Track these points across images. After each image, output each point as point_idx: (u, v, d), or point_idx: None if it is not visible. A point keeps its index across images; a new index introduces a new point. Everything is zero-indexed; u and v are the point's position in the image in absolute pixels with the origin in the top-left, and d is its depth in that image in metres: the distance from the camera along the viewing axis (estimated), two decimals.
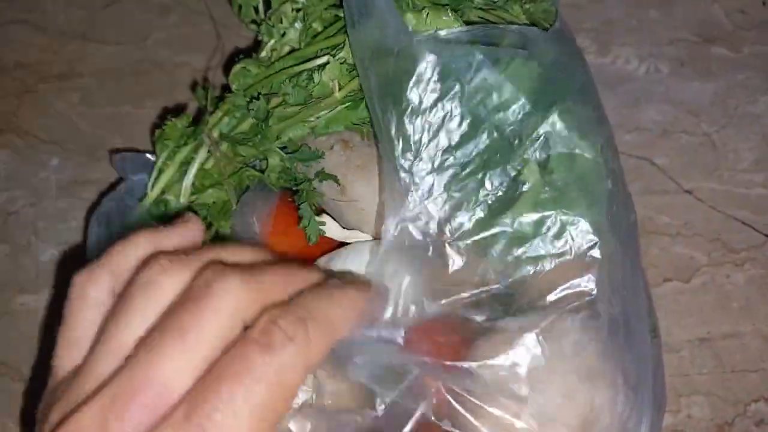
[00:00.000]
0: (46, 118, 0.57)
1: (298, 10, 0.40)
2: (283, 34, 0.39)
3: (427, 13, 0.32)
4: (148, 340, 0.18)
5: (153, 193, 0.37)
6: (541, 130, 0.31)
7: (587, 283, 0.31)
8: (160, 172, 0.37)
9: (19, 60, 0.60)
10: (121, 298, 0.19)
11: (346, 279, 0.22)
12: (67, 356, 0.21)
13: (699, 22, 0.59)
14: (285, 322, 0.17)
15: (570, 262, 0.31)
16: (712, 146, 0.54)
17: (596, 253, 0.32)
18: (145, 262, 0.19)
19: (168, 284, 0.19)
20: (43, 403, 0.21)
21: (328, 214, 0.38)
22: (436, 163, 0.30)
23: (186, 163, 0.37)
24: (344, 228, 0.38)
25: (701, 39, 0.58)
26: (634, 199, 0.51)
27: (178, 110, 0.57)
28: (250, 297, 0.18)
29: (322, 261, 0.37)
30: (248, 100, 0.37)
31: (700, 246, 0.50)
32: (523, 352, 0.29)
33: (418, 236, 0.30)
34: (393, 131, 0.29)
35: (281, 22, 0.40)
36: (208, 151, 0.36)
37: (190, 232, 0.22)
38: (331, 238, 0.38)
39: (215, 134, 0.36)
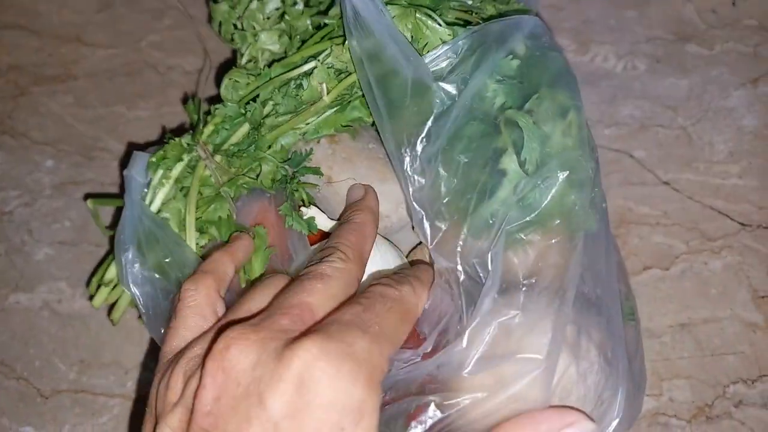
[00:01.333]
0: (40, 120, 0.58)
1: (269, 17, 0.41)
2: (256, 39, 0.40)
3: (425, 27, 0.33)
4: (295, 281, 0.27)
5: (153, 209, 0.37)
6: (520, 118, 0.33)
7: (565, 261, 0.32)
8: (156, 190, 0.37)
9: (13, 62, 0.61)
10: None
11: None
12: (174, 345, 0.28)
13: (673, 22, 0.62)
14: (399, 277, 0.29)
15: (550, 243, 0.32)
16: (688, 139, 0.55)
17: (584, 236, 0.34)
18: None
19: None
20: (159, 372, 0.27)
21: (316, 206, 0.39)
22: (432, 157, 0.32)
23: (181, 180, 0.37)
24: (332, 219, 0.39)
25: (676, 37, 0.60)
26: (614, 191, 0.53)
27: (171, 113, 0.58)
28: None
29: (312, 251, 0.38)
30: (243, 109, 0.38)
31: (678, 235, 0.51)
32: (501, 326, 0.30)
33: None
34: (406, 165, 0.32)
35: (253, 27, 0.41)
36: (204, 165, 0.37)
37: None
38: (321, 229, 0.39)
39: (209, 147, 0.37)
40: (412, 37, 0.33)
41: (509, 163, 0.32)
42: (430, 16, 0.33)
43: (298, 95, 0.36)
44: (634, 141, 0.55)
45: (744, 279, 0.49)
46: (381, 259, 0.35)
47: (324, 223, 0.38)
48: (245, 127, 0.37)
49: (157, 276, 0.35)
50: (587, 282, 0.32)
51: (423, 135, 0.31)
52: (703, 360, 0.47)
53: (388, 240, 0.38)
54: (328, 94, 0.36)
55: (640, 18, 0.62)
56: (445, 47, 0.32)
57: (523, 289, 0.30)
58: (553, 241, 0.31)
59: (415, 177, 0.32)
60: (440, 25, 0.33)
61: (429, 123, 0.31)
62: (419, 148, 0.32)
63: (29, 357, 0.47)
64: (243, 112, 0.37)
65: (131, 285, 0.35)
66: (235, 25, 0.44)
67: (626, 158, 0.55)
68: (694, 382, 0.46)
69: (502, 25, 0.32)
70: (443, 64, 0.31)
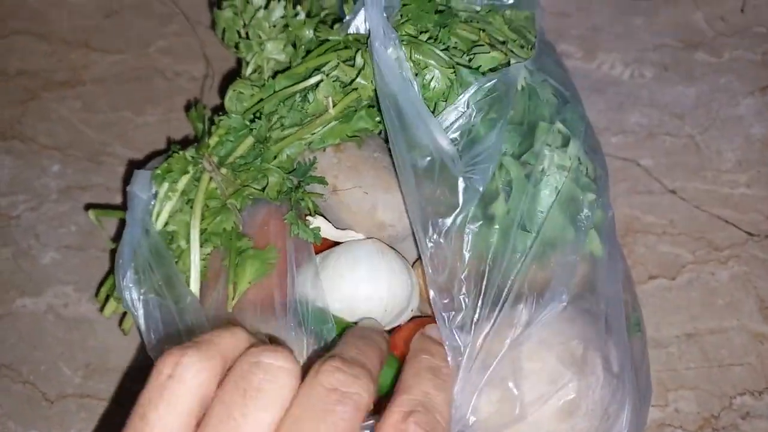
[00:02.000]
0: (48, 124, 0.58)
1: (274, 26, 0.41)
2: (263, 48, 0.40)
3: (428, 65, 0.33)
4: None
5: (158, 225, 0.37)
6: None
7: (572, 277, 0.32)
8: (163, 204, 0.37)
9: (23, 68, 0.61)
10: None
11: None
12: None
13: (681, 29, 0.61)
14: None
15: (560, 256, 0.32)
16: (695, 148, 0.55)
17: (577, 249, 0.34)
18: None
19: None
20: None
21: (322, 215, 0.39)
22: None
23: (187, 192, 0.37)
24: (337, 228, 0.39)
25: (684, 45, 0.60)
26: (620, 200, 0.53)
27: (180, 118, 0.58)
28: None
29: (317, 258, 0.38)
30: (249, 122, 0.38)
31: (685, 244, 0.51)
32: (511, 343, 0.30)
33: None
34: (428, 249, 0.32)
35: (259, 36, 0.41)
36: (210, 177, 0.37)
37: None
38: (326, 238, 0.39)
39: (215, 159, 0.37)
40: (416, 74, 0.33)
41: (498, 207, 0.32)
42: (434, 53, 0.33)
43: (303, 108, 0.36)
44: (642, 149, 0.55)
45: (751, 289, 0.49)
46: (387, 267, 0.35)
47: (329, 232, 0.38)
48: (250, 140, 0.37)
49: (155, 297, 0.34)
50: (592, 295, 0.32)
51: (448, 225, 0.31)
52: (709, 371, 0.46)
53: (394, 249, 0.38)
54: (334, 106, 0.36)
55: (647, 25, 0.62)
56: (451, 112, 0.32)
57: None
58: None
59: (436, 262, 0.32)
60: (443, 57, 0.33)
61: (454, 216, 0.31)
62: (443, 236, 0.31)
63: (35, 361, 0.47)
64: (247, 125, 0.37)
65: (130, 306, 0.35)
66: (239, 33, 0.44)
67: (633, 166, 0.54)
68: (700, 393, 0.45)
69: (501, 82, 0.32)
70: (455, 133, 0.32)
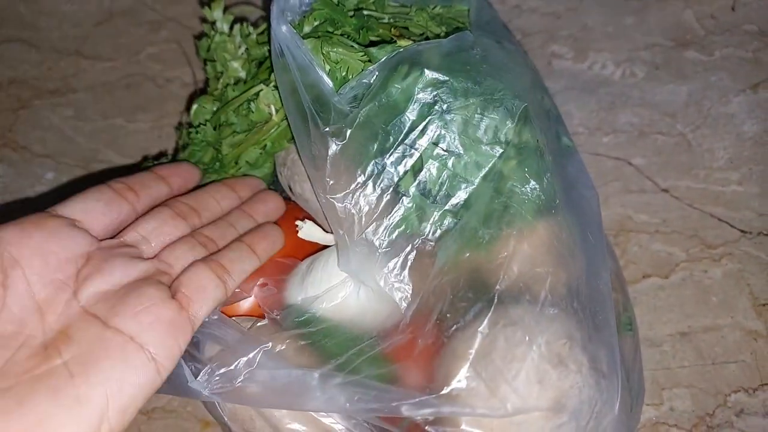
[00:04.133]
0: (41, 132, 0.58)
1: (239, 46, 0.43)
2: (227, 68, 0.42)
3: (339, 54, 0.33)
4: None
5: None
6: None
7: (555, 276, 0.32)
8: None
9: (14, 76, 0.61)
10: None
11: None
12: None
13: (672, 28, 0.61)
14: None
15: (537, 256, 0.32)
16: (687, 146, 0.55)
17: (571, 246, 0.34)
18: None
19: None
20: None
21: (312, 219, 0.39)
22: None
23: None
24: (326, 231, 0.39)
25: (675, 43, 0.60)
26: (612, 199, 0.53)
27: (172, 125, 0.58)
28: None
29: (304, 264, 0.38)
30: (197, 125, 0.40)
31: (678, 242, 0.51)
32: (495, 343, 0.30)
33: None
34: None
35: (224, 57, 0.43)
36: None
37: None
38: (316, 242, 0.39)
39: None
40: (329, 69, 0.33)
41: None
42: (344, 43, 0.34)
43: (248, 116, 0.38)
44: (633, 148, 0.55)
45: (744, 287, 0.49)
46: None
47: (318, 235, 0.38)
48: (211, 150, 0.39)
49: None
50: (579, 293, 0.32)
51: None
52: (703, 369, 0.46)
53: None
54: (276, 113, 0.37)
55: (638, 25, 0.62)
56: (362, 75, 0.31)
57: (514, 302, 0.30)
58: (525, 246, 0.31)
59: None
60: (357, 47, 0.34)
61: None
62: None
63: None
64: (191, 132, 0.40)
65: None
66: (208, 57, 0.46)
67: (625, 166, 0.54)
68: (694, 391, 0.45)
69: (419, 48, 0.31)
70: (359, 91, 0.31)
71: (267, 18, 0.41)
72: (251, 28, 0.44)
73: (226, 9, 0.45)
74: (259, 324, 0.35)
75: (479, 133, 0.31)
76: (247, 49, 0.43)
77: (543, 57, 0.60)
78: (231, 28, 0.45)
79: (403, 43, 0.34)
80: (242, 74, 0.42)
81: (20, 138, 0.58)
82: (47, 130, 0.58)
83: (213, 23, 0.45)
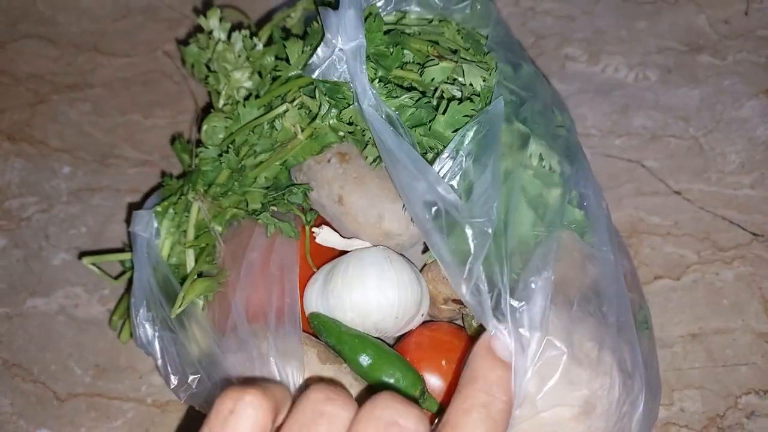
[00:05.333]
0: (58, 127, 0.59)
1: (239, 55, 0.43)
2: (229, 78, 0.42)
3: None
4: None
5: (164, 257, 0.40)
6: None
7: (582, 280, 0.33)
8: (165, 239, 0.40)
9: (32, 71, 0.62)
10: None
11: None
12: None
13: (685, 32, 0.62)
14: None
15: (564, 259, 0.33)
16: (699, 149, 0.55)
17: (590, 251, 0.34)
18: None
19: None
20: None
21: (328, 225, 0.40)
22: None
23: (183, 224, 0.40)
24: (343, 237, 0.39)
25: (688, 48, 0.61)
26: (625, 201, 0.53)
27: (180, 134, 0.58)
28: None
29: (326, 267, 0.38)
30: (219, 153, 0.40)
31: (689, 245, 0.51)
32: (527, 346, 0.31)
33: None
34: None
35: (225, 68, 0.42)
36: (198, 207, 0.39)
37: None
38: (333, 248, 0.39)
39: (201, 189, 0.39)
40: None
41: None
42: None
43: (272, 135, 0.38)
44: (646, 151, 0.55)
45: (756, 290, 0.49)
46: (396, 274, 0.35)
47: (336, 241, 0.39)
48: (227, 170, 0.39)
49: (168, 333, 0.36)
50: (601, 295, 0.33)
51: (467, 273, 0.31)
52: (714, 370, 0.46)
53: (403, 255, 0.38)
54: (302, 131, 0.38)
55: (651, 29, 0.62)
56: (445, 160, 0.32)
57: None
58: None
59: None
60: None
61: (469, 263, 0.31)
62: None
63: (46, 361, 0.48)
64: (218, 158, 0.40)
65: (145, 344, 0.37)
66: (208, 67, 0.46)
67: (638, 168, 0.55)
68: (705, 392, 0.46)
69: (483, 124, 0.33)
70: (453, 174, 0.32)
71: (258, 25, 0.42)
72: (255, 40, 0.44)
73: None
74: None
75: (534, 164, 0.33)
76: (251, 60, 0.43)
77: (557, 59, 0.60)
78: (229, 36, 0.44)
79: (444, 64, 0.35)
80: (248, 84, 0.42)
81: (37, 132, 0.59)
82: (64, 124, 0.59)
83: (210, 32, 0.44)
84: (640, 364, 0.32)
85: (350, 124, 0.37)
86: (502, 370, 0.26)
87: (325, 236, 0.38)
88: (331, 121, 0.37)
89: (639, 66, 0.60)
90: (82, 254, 0.52)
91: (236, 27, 0.46)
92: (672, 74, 0.59)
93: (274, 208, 0.38)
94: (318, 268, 0.39)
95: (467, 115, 0.34)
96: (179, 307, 0.35)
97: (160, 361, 0.37)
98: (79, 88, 0.61)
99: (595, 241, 0.34)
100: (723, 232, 0.51)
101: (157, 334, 0.37)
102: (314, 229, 0.38)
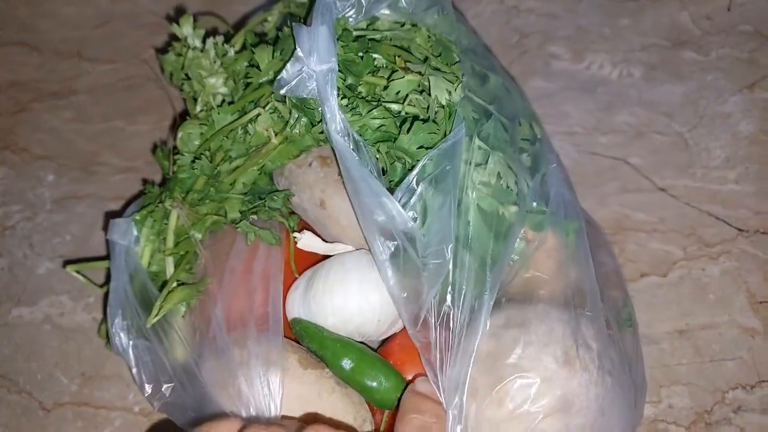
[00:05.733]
0: (41, 135, 0.58)
1: (214, 62, 0.43)
2: (204, 85, 0.42)
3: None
4: None
5: (144, 266, 0.40)
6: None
7: (561, 279, 0.33)
8: (144, 247, 0.40)
9: (14, 79, 0.62)
10: None
11: None
12: None
13: (668, 29, 0.62)
14: None
15: (543, 261, 0.33)
16: (684, 145, 0.56)
17: (568, 252, 0.34)
18: None
19: None
20: None
21: (311, 229, 0.39)
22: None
23: (161, 232, 0.40)
24: (326, 241, 0.39)
25: (671, 44, 0.61)
26: (610, 198, 0.53)
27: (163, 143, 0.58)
28: None
29: (307, 273, 0.38)
30: (193, 160, 0.40)
31: (675, 241, 0.51)
32: (503, 343, 0.31)
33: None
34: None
35: (200, 75, 0.42)
36: (177, 215, 0.39)
37: None
38: (316, 252, 0.39)
39: (178, 196, 0.39)
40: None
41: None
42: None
43: (246, 140, 0.38)
44: (631, 148, 0.55)
45: (742, 284, 0.49)
46: (378, 278, 0.35)
47: (318, 246, 0.38)
48: (204, 177, 0.39)
49: (143, 341, 0.36)
50: (580, 295, 0.33)
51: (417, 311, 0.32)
52: (701, 366, 0.47)
53: None
54: (276, 136, 0.37)
55: (634, 26, 0.62)
56: (404, 191, 0.33)
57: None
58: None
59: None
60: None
61: (420, 302, 0.33)
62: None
63: (31, 370, 0.47)
64: (192, 165, 0.39)
65: (121, 351, 0.37)
66: (187, 75, 0.45)
67: (622, 165, 0.55)
68: (693, 388, 0.46)
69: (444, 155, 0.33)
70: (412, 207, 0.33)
71: (236, 28, 0.41)
72: (227, 47, 0.44)
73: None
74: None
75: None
76: (224, 66, 0.43)
77: (541, 57, 0.60)
78: (203, 42, 0.44)
79: (411, 77, 0.36)
80: (223, 90, 0.42)
81: (21, 140, 0.58)
82: (48, 132, 0.58)
83: (184, 39, 0.44)
84: (622, 363, 0.32)
85: (321, 133, 0.37)
86: (432, 402, 0.31)
87: (307, 241, 0.38)
88: (300, 130, 0.37)
89: (623, 63, 0.60)
90: (67, 263, 0.51)
91: (212, 33, 0.46)
92: (656, 71, 0.59)
93: (254, 216, 0.37)
94: (300, 274, 0.38)
95: (432, 132, 0.34)
96: (155, 316, 0.35)
97: (134, 369, 0.37)
98: (62, 95, 0.60)
99: (572, 241, 0.34)
100: (708, 228, 0.51)
101: (132, 342, 0.37)
102: (295, 234, 0.38)
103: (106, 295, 0.41)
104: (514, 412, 0.30)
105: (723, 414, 0.45)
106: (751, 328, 0.48)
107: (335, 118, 0.33)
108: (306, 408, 0.33)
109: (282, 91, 0.36)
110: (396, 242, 0.32)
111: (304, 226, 0.39)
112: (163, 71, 0.47)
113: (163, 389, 0.36)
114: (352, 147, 0.33)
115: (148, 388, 0.36)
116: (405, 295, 0.32)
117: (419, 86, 0.36)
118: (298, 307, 0.36)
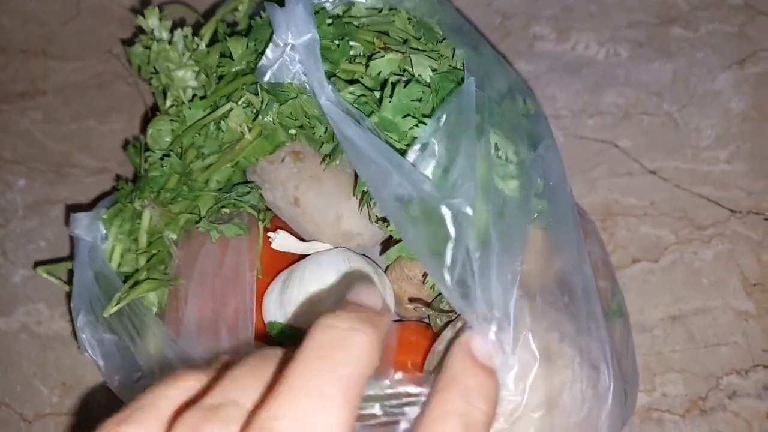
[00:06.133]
0: (10, 138, 0.56)
1: (183, 54, 0.41)
2: (172, 78, 0.40)
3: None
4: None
5: (113, 267, 0.38)
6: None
7: (542, 271, 0.31)
8: (114, 246, 0.38)
9: None
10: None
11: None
12: None
13: (656, 5, 0.60)
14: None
15: (526, 252, 0.31)
16: (674, 125, 0.54)
17: (554, 241, 0.33)
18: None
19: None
20: None
21: (286, 228, 0.38)
22: None
23: (133, 231, 0.38)
24: (302, 240, 0.37)
25: (659, 20, 0.59)
26: (599, 183, 0.52)
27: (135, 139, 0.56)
28: None
29: (283, 274, 0.37)
30: (163, 157, 0.38)
31: (667, 225, 0.50)
32: (508, 350, 0.29)
33: None
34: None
35: (167, 68, 0.40)
36: (150, 214, 0.38)
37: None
38: (292, 252, 0.37)
39: (150, 195, 0.38)
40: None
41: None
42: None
43: (219, 137, 0.37)
44: (619, 130, 0.54)
45: (735, 267, 0.48)
46: (355, 276, 0.34)
47: (294, 245, 0.37)
48: (176, 175, 0.37)
49: (111, 336, 0.35)
50: (563, 287, 0.31)
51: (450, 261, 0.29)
52: (696, 352, 0.46)
53: (365, 256, 0.37)
54: (249, 131, 0.36)
55: (621, 3, 0.60)
56: (417, 146, 0.30)
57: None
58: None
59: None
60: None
61: (452, 248, 0.29)
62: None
63: (10, 382, 0.46)
64: (162, 164, 0.38)
65: (87, 347, 0.36)
66: (155, 68, 0.43)
67: (611, 148, 0.53)
68: (687, 375, 0.45)
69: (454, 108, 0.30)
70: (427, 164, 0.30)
71: (206, 17, 0.39)
72: (197, 40, 0.42)
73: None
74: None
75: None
76: (195, 59, 0.41)
77: (524, 39, 0.58)
78: (171, 34, 0.42)
79: (391, 56, 0.34)
80: (193, 83, 0.40)
81: None
82: (16, 135, 0.56)
83: (151, 32, 0.42)
84: (608, 355, 0.31)
85: (294, 119, 0.35)
86: (484, 376, 0.22)
87: (282, 241, 0.36)
88: (273, 117, 0.35)
89: (609, 42, 0.58)
90: (37, 264, 0.50)
91: (180, 24, 0.44)
92: (643, 49, 0.57)
93: (226, 210, 0.36)
94: (274, 276, 0.37)
95: (415, 99, 0.32)
96: (114, 305, 0.34)
97: (101, 362, 0.36)
98: (30, 95, 0.58)
99: (559, 231, 0.32)
100: (700, 210, 0.50)
101: (97, 337, 0.36)
102: (270, 234, 0.37)
103: (69, 294, 0.40)
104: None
105: (718, 400, 0.44)
106: (745, 311, 0.47)
107: (324, 88, 0.31)
108: None
109: (265, 78, 0.34)
110: (412, 198, 0.29)
111: (279, 226, 0.38)
112: (131, 64, 0.46)
113: (132, 379, 0.35)
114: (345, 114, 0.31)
115: (116, 380, 0.36)
116: (431, 248, 0.28)
117: (400, 68, 0.34)
118: (274, 309, 0.35)
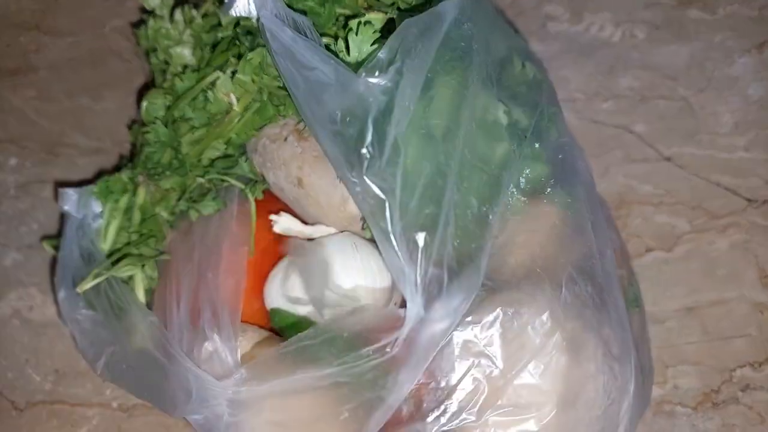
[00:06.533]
0: (1, 116, 0.55)
1: (183, 31, 0.40)
2: (171, 55, 0.39)
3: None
4: None
5: (107, 245, 0.37)
6: None
7: (561, 259, 0.30)
8: (108, 223, 0.38)
9: None
10: None
11: None
12: None
13: None
14: None
15: (541, 240, 0.30)
16: (690, 111, 0.53)
17: (574, 224, 0.31)
18: None
19: None
20: None
21: (289, 210, 0.36)
22: None
23: (129, 209, 0.38)
24: (306, 223, 0.36)
25: (676, 2, 0.57)
26: (613, 169, 0.50)
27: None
28: None
29: (282, 266, 0.35)
30: (146, 125, 0.37)
31: (682, 213, 0.49)
32: (496, 333, 0.28)
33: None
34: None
35: (167, 46, 0.40)
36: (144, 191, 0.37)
37: None
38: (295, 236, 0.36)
39: (142, 170, 0.37)
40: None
41: None
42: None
43: (206, 108, 0.35)
44: (634, 114, 0.52)
45: (751, 258, 0.47)
46: (362, 263, 0.33)
47: (298, 229, 0.36)
48: (170, 150, 0.36)
49: (88, 311, 0.34)
50: (585, 278, 0.30)
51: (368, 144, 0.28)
52: (710, 345, 0.45)
53: (373, 242, 0.35)
54: (238, 102, 0.35)
55: None
56: (377, 54, 0.28)
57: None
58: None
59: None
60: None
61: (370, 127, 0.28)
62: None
63: (1, 369, 0.45)
64: (142, 130, 0.37)
65: (68, 322, 0.35)
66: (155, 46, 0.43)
67: (626, 134, 0.52)
68: (700, 367, 0.44)
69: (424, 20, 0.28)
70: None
71: None
72: (194, 12, 0.41)
73: None
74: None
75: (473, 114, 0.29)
76: (192, 34, 0.40)
77: (537, 19, 0.57)
78: (172, 13, 0.41)
79: (373, 15, 0.32)
80: (190, 60, 0.39)
81: None
82: (8, 112, 0.55)
83: (152, 11, 0.41)
84: (630, 346, 0.30)
85: (265, 72, 0.33)
86: None
87: (285, 224, 0.35)
88: (251, 75, 0.33)
89: (625, 23, 0.56)
90: (44, 237, 0.48)
91: (180, 3, 0.42)
92: (660, 31, 0.56)
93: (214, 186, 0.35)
94: (276, 259, 0.36)
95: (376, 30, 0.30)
96: (92, 281, 0.33)
97: (79, 340, 0.36)
98: (22, 72, 0.56)
99: (577, 210, 0.31)
100: (716, 199, 0.49)
101: (79, 312, 0.35)
102: (272, 217, 0.35)
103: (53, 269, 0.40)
104: (514, 404, 0.28)
105: (730, 393, 0.43)
106: (761, 303, 0.46)
107: (266, 2, 0.29)
108: None
109: (230, 12, 0.33)
110: (365, 128, 0.27)
111: (282, 208, 0.36)
112: (139, 44, 0.44)
113: (106, 353, 0.35)
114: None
115: (90, 354, 0.36)
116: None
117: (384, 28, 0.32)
118: (276, 296, 0.34)
